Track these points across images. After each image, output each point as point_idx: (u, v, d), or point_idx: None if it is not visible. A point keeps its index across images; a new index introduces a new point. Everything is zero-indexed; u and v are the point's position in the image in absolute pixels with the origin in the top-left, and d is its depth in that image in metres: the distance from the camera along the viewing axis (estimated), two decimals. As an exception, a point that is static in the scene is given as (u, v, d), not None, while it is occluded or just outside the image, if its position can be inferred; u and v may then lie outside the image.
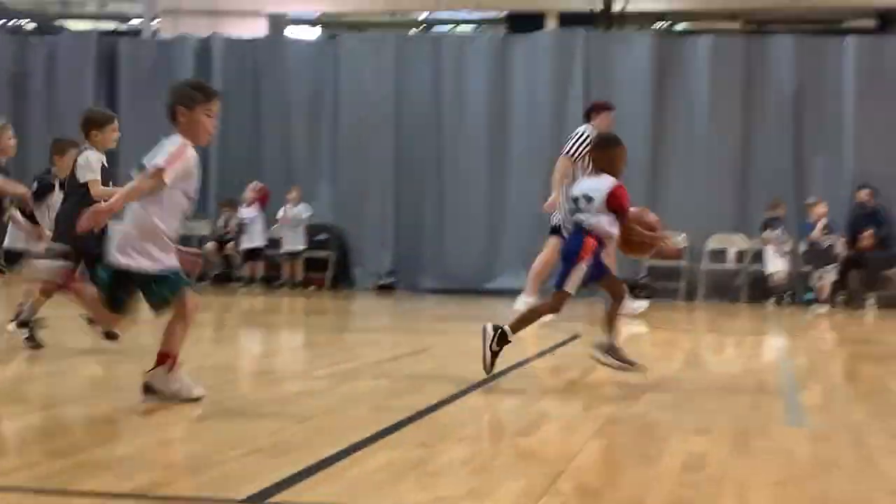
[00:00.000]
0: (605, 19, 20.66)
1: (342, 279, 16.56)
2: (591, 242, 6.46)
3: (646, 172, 15.62)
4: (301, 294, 15.66)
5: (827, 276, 14.64)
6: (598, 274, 6.60)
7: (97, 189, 7.46)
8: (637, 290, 15.17)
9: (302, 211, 16.18)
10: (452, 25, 26.20)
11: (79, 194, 7.49)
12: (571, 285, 6.49)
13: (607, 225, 6.48)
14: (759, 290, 15.20)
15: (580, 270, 6.46)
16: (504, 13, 25.25)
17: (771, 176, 15.50)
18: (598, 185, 6.52)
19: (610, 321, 6.74)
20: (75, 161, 7.73)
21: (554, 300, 6.67)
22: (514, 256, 15.78)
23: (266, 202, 16.38)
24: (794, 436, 5.09)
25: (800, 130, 15.54)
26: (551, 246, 11.69)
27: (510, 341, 6.48)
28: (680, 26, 26.23)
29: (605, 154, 6.76)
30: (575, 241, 6.60)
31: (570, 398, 6.18)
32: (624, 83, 15.77)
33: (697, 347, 10.18)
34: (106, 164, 7.73)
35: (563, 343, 9.19)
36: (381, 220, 16.51)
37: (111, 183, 7.67)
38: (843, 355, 9.69)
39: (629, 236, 6.57)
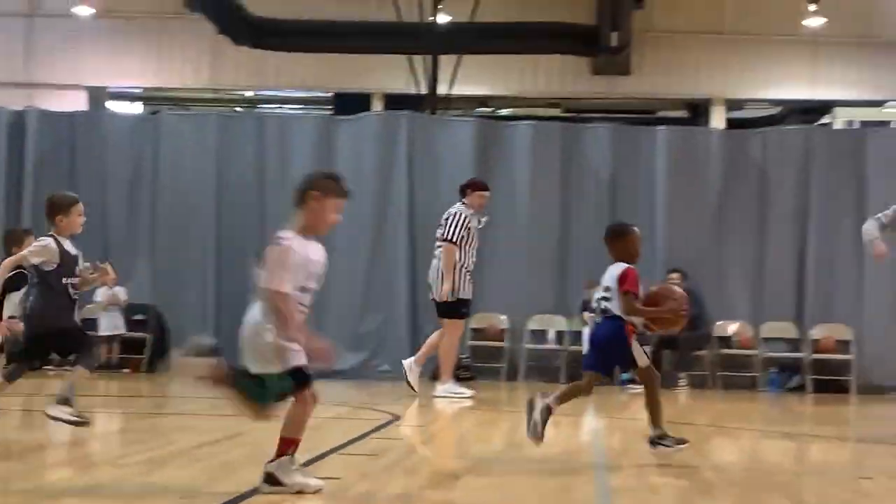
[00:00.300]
0: (431, 102, 21.05)
1: (160, 361, 16.11)
2: (629, 327, 7.09)
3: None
4: (116, 377, 15.16)
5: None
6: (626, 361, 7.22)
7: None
8: (460, 370, 15.30)
9: (119, 293, 15.72)
10: (278, 105, 26.27)
11: (45, 283, 7.50)
12: (642, 359, 7.11)
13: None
14: (579, 369, 15.47)
15: (636, 346, 7.07)
16: (331, 93, 25.45)
17: (589, 258, 15.86)
18: (612, 274, 7.18)
19: (652, 410, 7.25)
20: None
21: (645, 377, 7.23)
22: (337, 336, 15.68)
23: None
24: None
25: (615, 214, 15.99)
26: (454, 327, 12.26)
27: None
28: (504, 111, 26.91)
29: (620, 243, 7.43)
30: (606, 328, 7.21)
31: (387, 484, 6.12)
32: (447, 166, 16.02)
33: (517, 428, 10.25)
34: (71, 251, 7.62)
35: (383, 426, 9.13)
36: (202, 299, 16.19)
37: (76, 269, 7.63)
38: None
39: (634, 314, 7.13)
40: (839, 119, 26.15)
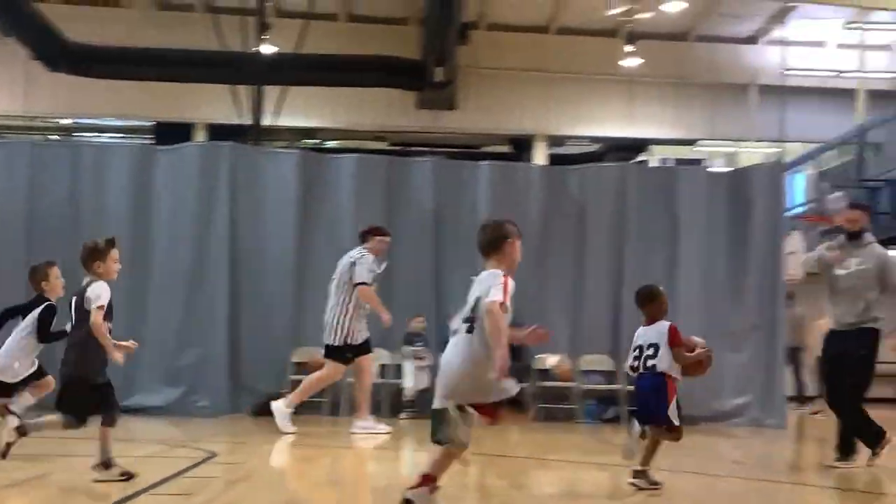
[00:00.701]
0: (255, 133, 20.88)
1: None
2: (672, 385, 7.86)
3: (291, 288, 15.70)
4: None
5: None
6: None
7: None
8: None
9: None
10: (96, 133, 25.61)
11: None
12: (676, 418, 7.83)
13: (672, 365, 7.87)
14: (401, 402, 15.48)
15: (674, 407, 7.84)
16: (152, 122, 24.98)
17: (411, 291, 15.96)
18: (659, 332, 7.90)
19: (649, 452, 8.03)
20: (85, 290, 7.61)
21: (673, 435, 7.91)
22: (153, 371, 15.31)
23: None
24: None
25: (438, 248, 16.15)
26: (335, 370, 12.77)
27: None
28: (330, 143, 26.91)
29: (654, 305, 8.17)
30: (654, 382, 7.91)
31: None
32: (270, 198, 15.86)
33: (336, 464, 10.18)
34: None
35: (199, 463, 8.92)
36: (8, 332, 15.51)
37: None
38: (473, 468, 9.97)
39: (686, 362, 7.96)
40: (654, 156, 27.16)
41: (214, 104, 22.42)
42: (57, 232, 15.60)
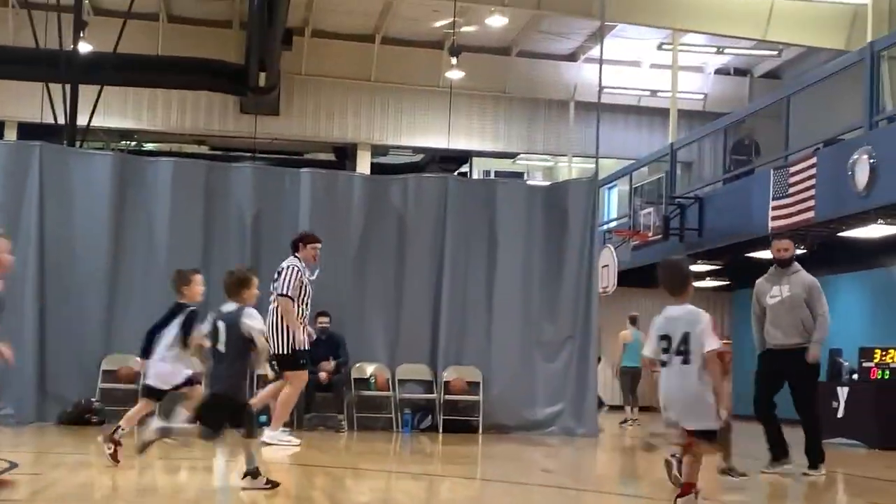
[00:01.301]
0: (69, 133, 20.22)
1: None
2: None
3: (103, 293, 15.29)
4: None
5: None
6: None
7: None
8: (90, 414, 14.68)
9: None
10: None
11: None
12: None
13: None
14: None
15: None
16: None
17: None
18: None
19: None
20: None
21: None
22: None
23: None
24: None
25: (258, 254, 15.95)
26: (297, 378, 12.70)
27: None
28: (149, 146, 26.34)
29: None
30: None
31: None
32: (83, 200, 15.41)
33: (144, 473, 9.96)
34: None
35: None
36: None
37: None
38: (292, 479, 9.90)
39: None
40: (476, 168, 27.56)
41: (27, 102, 21.67)
42: None
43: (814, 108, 17.93)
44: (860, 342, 16.61)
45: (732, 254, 19.46)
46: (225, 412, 8.11)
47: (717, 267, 20.95)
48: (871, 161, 14.00)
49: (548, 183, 21.69)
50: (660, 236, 19.97)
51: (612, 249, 18.74)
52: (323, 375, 15.26)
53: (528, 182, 23.51)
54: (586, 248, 16.40)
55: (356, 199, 16.28)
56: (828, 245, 16.99)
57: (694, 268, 20.15)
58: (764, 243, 17.42)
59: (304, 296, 12.90)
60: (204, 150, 27.00)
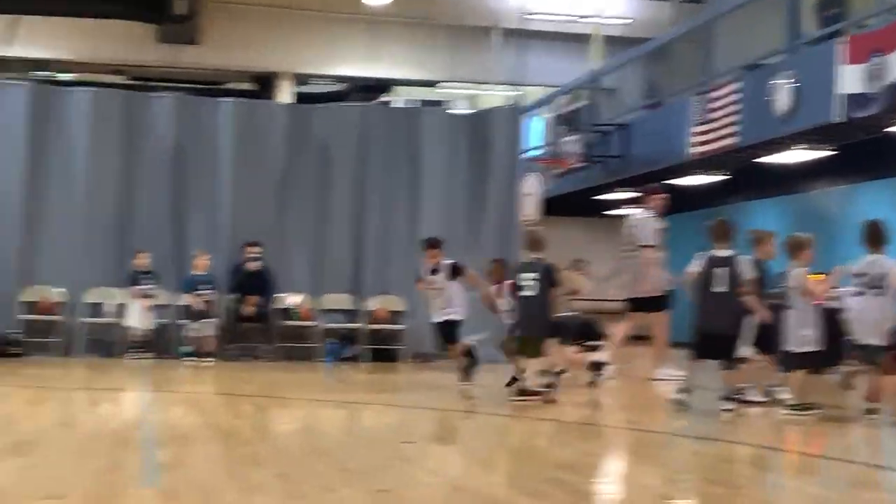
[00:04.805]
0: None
1: None
2: None
3: (19, 224, 15.09)
4: None
5: (206, 330, 14.97)
6: None
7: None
8: (9, 346, 14.56)
9: None
10: None
11: None
12: None
13: None
14: (138, 343, 15.15)
15: None
16: None
17: (151, 230, 15.61)
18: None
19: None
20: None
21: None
22: None
23: None
24: (145, 497, 5.15)
25: (178, 185, 15.84)
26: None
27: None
28: (64, 76, 25.78)
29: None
30: None
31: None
32: (-2, 132, 15.14)
33: (68, 406, 9.95)
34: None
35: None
36: None
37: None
38: (217, 410, 9.95)
39: None
40: (398, 97, 27.40)
41: (-64, 30, 21.06)
42: None
43: (737, 33, 18.03)
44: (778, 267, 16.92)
45: (654, 181, 19.67)
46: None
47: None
48: (793, 85, 14.15)
49: (470, 111, 21.66)
50: (583, 164, 20.08)
51: (538, 177, 18.81)
52: (249, 309, 15.27)
53: (450, 111, 23.43)
54: (509, 176, 16.50)
55: (278, 129, 16.17)
56: (748, 171, 17.23)
57: (614, 196, 20.37)
58: (685, 170, 17.68)
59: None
60: (121, 80, 26.49)
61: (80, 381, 12.70)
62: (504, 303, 11.20)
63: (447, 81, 26.41)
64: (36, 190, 15.27)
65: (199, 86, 25.41)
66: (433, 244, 12.26)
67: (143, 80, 25.78)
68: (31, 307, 15.02)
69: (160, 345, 15.23)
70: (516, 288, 10.54)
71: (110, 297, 15.33)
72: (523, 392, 10.13)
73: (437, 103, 25.92)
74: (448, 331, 11.89)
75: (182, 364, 14.52)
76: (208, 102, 16.51)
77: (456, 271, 11.86)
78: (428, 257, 12.12)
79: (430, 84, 26.66)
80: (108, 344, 15.19)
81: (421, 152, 16.42)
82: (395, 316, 15.80)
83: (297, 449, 7.19)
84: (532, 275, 10.20)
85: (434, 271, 11.91)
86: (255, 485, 5.62)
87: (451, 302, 11.80)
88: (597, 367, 12.13)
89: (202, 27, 23.38)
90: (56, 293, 15.13)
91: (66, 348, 15.05)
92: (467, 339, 11.96)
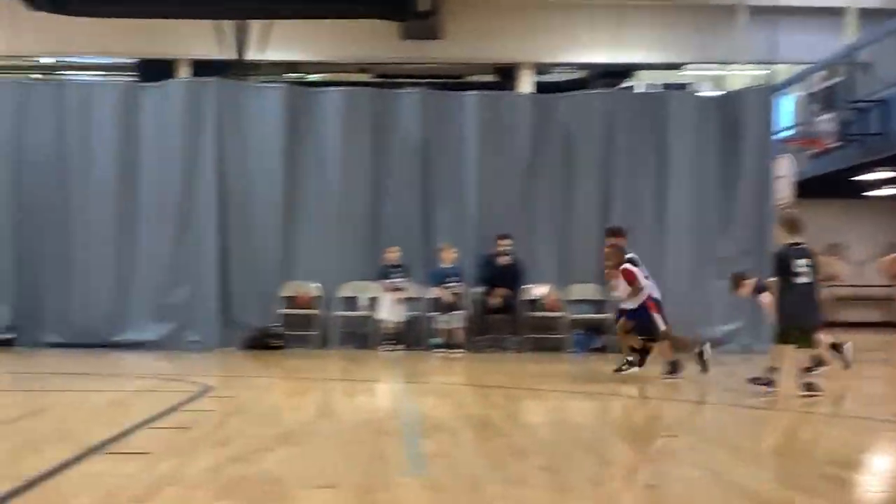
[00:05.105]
0: (239, 68, 20.69)
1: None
2: None
3: (278, 221, 15.69)
4: None
5: (455, 322, 15.17)
6: None
7: None
8: (270, 339, 15.17)
9: None
10: (79, 72, 25.32)
11: None
12: None
13: None
14: (390, 336, 15.50)
15: None
16: (135, 60, 24.72)
17: (400, 224, 15.95)
18: None
19: None
20: None
21: None
22: (144, 307, 15.34)
23: None
24: (413, 486, 5.20)
25: (426, 179, 16.10)
26: None
27: None
28: (313, 77, 26.68)
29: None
30: None
31: (196, 457, 6.00)
32: (256, 133, 15.78)
33: (328, 396, 10.24)
34: None
35: (194, 397, 8.97)
36: (2, 270, 15.50)
37: None
38: (469, 400, 10.03)
39: None
40: (641, 81, 26.96)
41: (198, 40, 22.19)
42: (45, 170, 15.56)
43: None
44: None
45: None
46: None
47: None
48: None
49: (719, 93, 21.05)
50: (839, 143, 19.22)
51: (791, 158, 18.09)
52: (497, 301, 15.38)
53: (698, 93, 22.82)
54: (761, 159, 15.94)
55: (522, 120, 16.19)
56: None
57: (873, 176, 19.39)
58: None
59: None
60: (366, 78, 27.19)
61: (337, 372, 13.09)
62: (620, 289, 11.48)
63: (692, 63, 25.81)
64: (292, 189, 15.85)
65: (440, 80, 25.78)
66: (613, 232, 12.07)
67: (387, 77, 26.37)
68: (290, 302, 15.63)
69: (411, 337, 15.56)
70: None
71: (363, 290, 15.77)
72: (810, 387, 9.61)
73: (682, 86, 25.31)
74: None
75: (432, 355, 14.77)
76: (453, 96, 16.71)
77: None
78: (607, 246, 12.03)
79: (674, 67, 26.12)
80: (361, 336, 15.65)
81: (667, 138, 16.07)
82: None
83: (556, 441, 7.12)
84: (805, 260, 9.72)
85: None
86: (520, 477, 5.58)
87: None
88: (836, 348, 11.87)
89: (444, 22, 23.69)
90: (312, 288, 15.68)
91: (322, 341, 15.59)
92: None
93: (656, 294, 11.83)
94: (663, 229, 15.89)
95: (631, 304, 11.59)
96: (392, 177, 16.11)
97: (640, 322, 11.54)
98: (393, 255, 15.47)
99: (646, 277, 11.85)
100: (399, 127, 16.13)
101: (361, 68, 26.40)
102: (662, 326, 11.61)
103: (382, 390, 11.26)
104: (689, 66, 26.41)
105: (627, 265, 11.58)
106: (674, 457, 6.56)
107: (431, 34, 23.78)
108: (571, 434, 7.55)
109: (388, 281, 15.38)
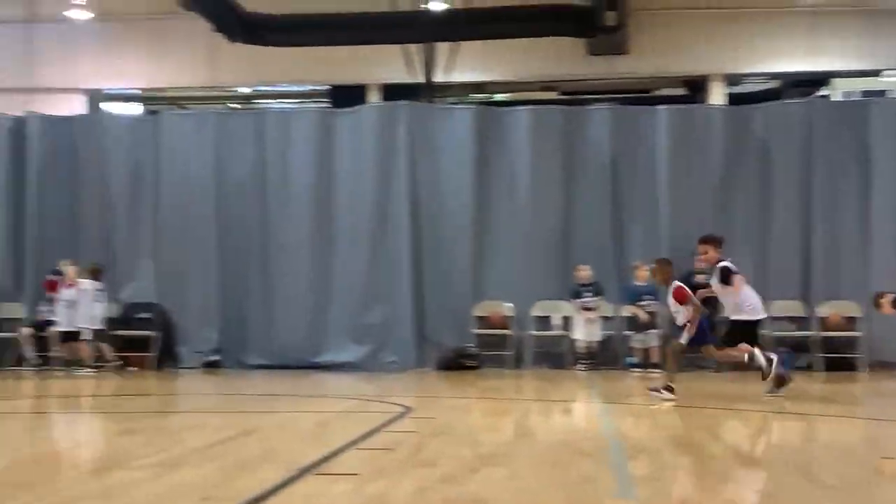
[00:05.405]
0: (428, 91, 20.96)
1: (166, 358, 16.10)
2: None
3: (469, 241, 15.80)
4: (124, 375, 15.15)
5: (651, 340, 14.94)
6: None
7: None
8: (466, 359, 15.27)
9: (94, 287, 15.61)
10: (273, 100, 26.10)
11: None
12: None
13: None
14: (585, 355, 15.38)
15: None
16: (327, 86, 25.34)
17: (591, 242, 15.84)
18: None
19: None
20: None
21: None
22: (341, 329, 15.67)
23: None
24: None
25: (617, 196, 15.95)
26: None
27: None
28: (499, 96, 26.78)
29: None
30: None
31: (403, 479, 6.06)
32: (447, 154, 15.97)
33: (526, 417, 10.21)
34: None
35: (395, 418, 9.08)
36: (205, 296, 16.16)
37: None
38: (670, 420, 9.84)
39: None
40: (837, 90, 26.04)
41: (387, 64, 22.56)
42: (244, 193, 16.14)
43: None
44: None
45: None
46: None
47: None
48: None
49: (920, 99, 20.16)
50: None
51: None
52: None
53: (900, 100, 21.85)
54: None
55: (715, 133, 15.89)
56: None
57: None
58: None
59: None
60: (552, 95, 27.12)
61: (533, 392, 13.06)
62: (673, 306, 10.91)
63: (891, 69, 24.78)
64: (483, 208, 15.96)
65: (628, 95, 25.48)
66: (704, 240, 11.54)
67: (573, 94, 26.23)
68: (484, 322, 15.70)
69: (607, 356, 15.41)
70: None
71: (556, 310, 15.71)
72: None
73: (881, 93, 24.32)
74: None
75: (628, 375, 14.56)
76: (643, 111, 16.53)
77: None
78: (700, 254, 11.49)
79: (873, 74, 25.13)
80: (556, 356, 15.59)
81: (870, 145, 15.48)
82: (849, 322, 14.93)
83: (768, 463, 6.90)
84: None
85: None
86: (733, 502, 5.42)
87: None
88: None
89: (631, 36, 23.42)
90: (505, 307, 15.71)
91: (516, 360, 15.59)
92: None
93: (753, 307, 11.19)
94: (866, 240, 15.30)
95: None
96: (582, 194, 16.02)
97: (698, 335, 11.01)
98: (584, 273, 15.36)
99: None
100: (589, 143, 16.05)
101: (547, 86, 26.34)
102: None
103: (580, 410, 11.16)
104: (888, 73, 25.37)
105: (678, 283, 11.07)
106: (894, 480, 6.26)
107: (618, 49, 23.53)
108: (782, 456, 7.30)
109: (580, 300, 15.27)
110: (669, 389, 10.74)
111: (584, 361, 15.11)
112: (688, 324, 10.84)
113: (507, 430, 8.86)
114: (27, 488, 5.32)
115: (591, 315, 15.24)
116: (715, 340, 11.13)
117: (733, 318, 11.10)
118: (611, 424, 9.22)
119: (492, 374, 14.53)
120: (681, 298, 10.93)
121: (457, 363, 15.23)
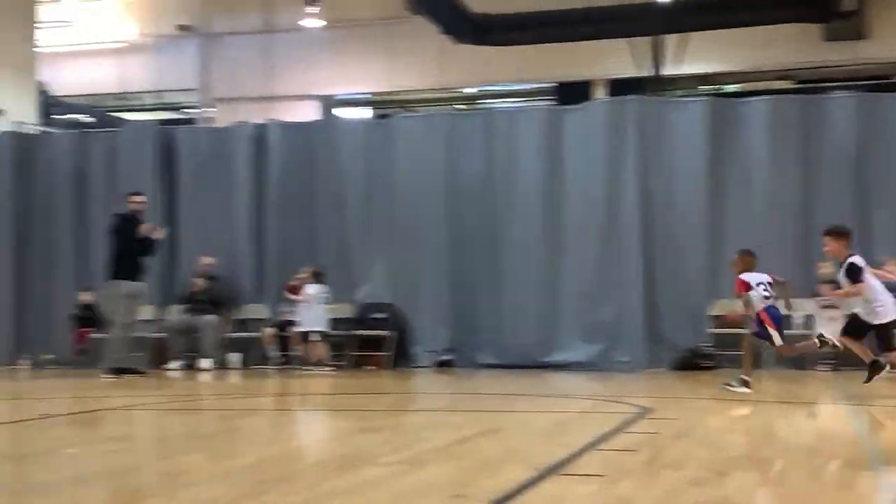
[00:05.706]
0: (655, 84, 20.64)
1: (401, 358, 16.41)
2: None
3: (705, 236, 15.42)
4: (361, 374, 15.52)
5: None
6: None
7: None
8: (701, 359, 14.90)
9: (319, 290, 16.06)
10: (499, 99, 26.25)
11: None
12: None
13: None
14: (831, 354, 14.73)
15: None
16: (553, 84, 25.32)
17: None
18: None
19: None
20: None
21: None
22: (572, 327, 15.57)
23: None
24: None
25: (861, 190, 15.25)
26: None
27: None
28: (730, 87, 26.11)
29: None
30: None
31: (652, 481, 5.90)
32: (679, 149, 15.64)
33: (771, 420, 9.84)
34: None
35: (633, 419, 8.92)
36: (437, 296, 16.38)
37: None
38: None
39: None
40: None
41: (613, 59, 22.38)
42: (474, 193, 16.28)
43: None
44: None
45: None
46: None
47: None
48: None
49: None
50: None
51: None
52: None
53: None
54: None
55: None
56: None
57: None
58: None
59: None
60: (787, 85, 26.23)
61: (776, 393, 12.60)
62: (750, 299, 10.52)
63: None
64: (717, 203, 15.54)
65: (867, 82, 24.40)
66: (828, 232, 10.85)
67: (810, 83, 25.31)
68: (720, 321, 15.27)
69: (850, 355, 14.68)
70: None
71: (797, 308, 15.10)
72: None
73: None
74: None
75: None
76: (888, 98, 15.73)
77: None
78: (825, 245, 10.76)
79: None
80: (798, 357, 14.96)
81: None
82: None
83: None
84: None
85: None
86: None
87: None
88: None
89: (870, 20, 22.42)
90: (740, 305, 15.19)
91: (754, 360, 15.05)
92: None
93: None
94: None
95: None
96: (822, 187, 15.38)
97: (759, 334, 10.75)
98: (826, 270, 14.72)
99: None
100: (830, 134, 15.39)
101: (782, 75, 25.51)
102: (779, 342, 10.91)
103: (826, 412, 10.69)
104: None
105: (744, 276, 10.47)
106: None
107: (857, 34, 22.57)
108: None
109: (821, 298, 14.66)
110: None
111: (825, 361, 14.48)
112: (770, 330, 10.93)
113: (753, 432, 8.56)
114: (276, 484, 5.45)
115: (833, 313, 14.59)
116: None
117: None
118: (862, 427, 8.78)
119: (729, 375, 14.09)
120: (740, 290, 11.11)
121: (692, 363, 14.89)
